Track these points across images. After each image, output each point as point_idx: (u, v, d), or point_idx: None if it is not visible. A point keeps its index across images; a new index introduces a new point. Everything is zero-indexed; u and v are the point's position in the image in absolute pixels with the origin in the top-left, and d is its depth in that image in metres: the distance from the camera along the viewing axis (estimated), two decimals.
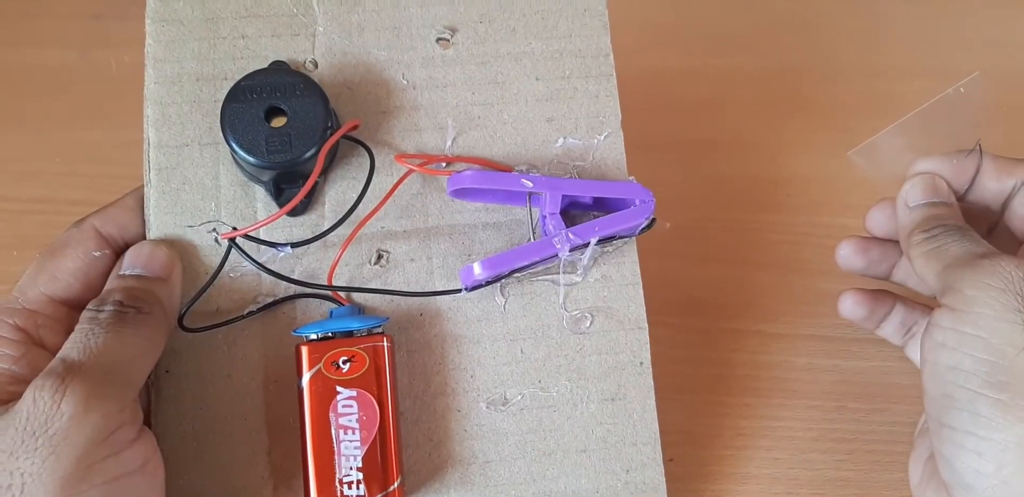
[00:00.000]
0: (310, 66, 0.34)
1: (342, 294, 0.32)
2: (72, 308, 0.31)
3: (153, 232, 0.33)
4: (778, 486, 0.35)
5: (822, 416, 0.37)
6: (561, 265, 0.33)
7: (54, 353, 0.27)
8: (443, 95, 0.34)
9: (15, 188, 0.48)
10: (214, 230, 0.33)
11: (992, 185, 0.33)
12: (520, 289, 0.33)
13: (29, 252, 0.44)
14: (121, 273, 0.31)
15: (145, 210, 0.34)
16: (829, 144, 0.53)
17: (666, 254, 0.45)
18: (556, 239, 0.31)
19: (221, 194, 0.33)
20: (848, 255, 0.36)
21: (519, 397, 0.32)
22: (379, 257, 0.33)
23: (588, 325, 0.33)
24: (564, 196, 0.32)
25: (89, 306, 0.29)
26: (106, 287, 0.31)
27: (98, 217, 0.33)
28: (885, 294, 0.36)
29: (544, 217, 0.33)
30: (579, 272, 0.33)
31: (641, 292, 0.34)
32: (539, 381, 0.32)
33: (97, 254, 0.32)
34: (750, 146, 0.52)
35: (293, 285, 0.32)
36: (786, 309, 0.42)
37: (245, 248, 0.31)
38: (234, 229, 0.31)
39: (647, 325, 0.33)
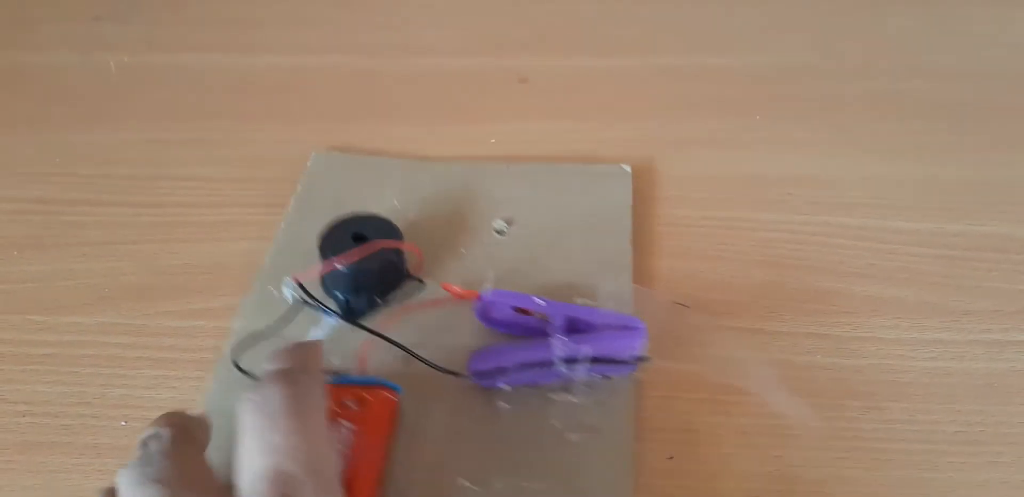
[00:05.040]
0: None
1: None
2: None
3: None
4: (778, 484, 0.35)
5: (821, 414, 0.37)
6: (557, 372, 0.36)
7: None
8: (490, 262, 0.43)
9: (15, 189, 0.48)
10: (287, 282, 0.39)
11: None
12: (518, 400, 0.37)
13: (30, 252, 0.44)
14: None
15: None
16: (829, 142, 0.53)
17: (666, 253, 0.45)
18: (554, 340, 0.35)
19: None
20: None
21: (499, 484, 0.34)
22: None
23: (576, 438, 0.36)
24: (567, 318, 0.37)
25: None
26: None
27: None
28: None
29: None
30: (574, 391, 0.37)
31: (632, 422, 0.36)
32: (522, 474, 0.34)
33: None
34: (750, 145, 0.52)
35: None
36: (785, 307, 0.42)
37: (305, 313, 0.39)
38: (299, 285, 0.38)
39: (633, 450, 0.35)
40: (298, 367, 0.29)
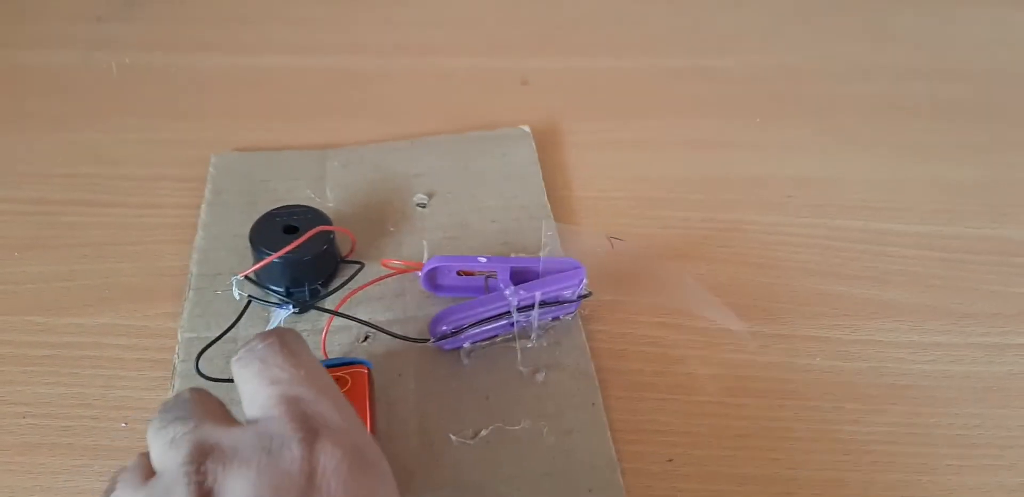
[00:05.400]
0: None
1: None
2: None
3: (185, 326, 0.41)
4: (776, 487, 0.35)
5: (820, 416, 0.37)
6: (514, 321, 0.38)
7: None
8: (420, 235, 0.45)
9: (16, 189, 0.48)
10: (232, 281, 0.40)
11: None
12: (482, 355, 0.39)
13: (30, 253, 0.44)
14: None
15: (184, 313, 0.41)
16: (829, 145, 0.53)
17: (666, 255, 0.45)
18: (507, 292, 0.37)
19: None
20: None
21: (484, 432, 0.36)
22: (365, 338, 0.40)
23: (542, 377, 0.38)
24: (512, 270, 0.39)
25: None
26: None
27: None
28: None
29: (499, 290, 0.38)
30: (532, 337, 0.39)
31: (588, 353, 0.39)
32: (503, 420, 0.37)
33: None
34: (750, 146, 0.52)
35: None
36: (785, 310, 0.42)
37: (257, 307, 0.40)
38: (247, 278, 0.40)
39: (595, 374, 0.38)
40: (276, 332, 0.30)
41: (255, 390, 0.27)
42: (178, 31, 0.63)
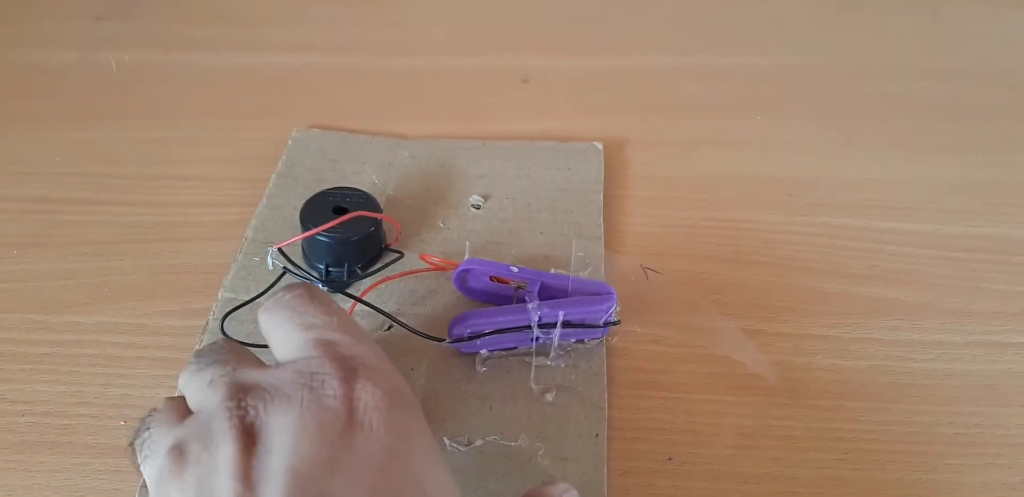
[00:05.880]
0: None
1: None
2: None
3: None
4: (776, 485, 0.35)
5: (821, 415, 0.37)
6: (534, 337, 0.37)
7: None
8: (467, 235, 0.45)
9: (16, 188, 0.48)
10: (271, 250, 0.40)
11: None
12: (497, 364, 0.39)
13: (30, 251, 0.44)
14: None
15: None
16: (830, 143, 0.53)
17: (667, 254, 0.45)
18: (530, 306, 0.37)
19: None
20: None
21: (480, 442, 0.36)
22: (389, 326, 0.40)
23: (551, 397, 0.37)
24: (542, 284, 0.39)
25: None
26: None
27: None
28: None
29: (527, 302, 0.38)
30: (550, 355, 0.38)
31: (604, 381, 0.38)
32: (502, 433, 0.36)
33: None
34: (750, 145, 0.52)
35: None
36: (786, 308, 0.42)
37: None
38: (281, 251, 0.39)
39: (607, 405, 0.37)
40: (303, 284, 0.30)
41: (287, 335, 0.27)
42: (178, 29, 0.63)
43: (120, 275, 0.43)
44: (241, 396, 0.24)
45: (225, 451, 0.23)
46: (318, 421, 0.24)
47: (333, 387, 0.24)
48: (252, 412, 0.24)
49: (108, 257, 0.44)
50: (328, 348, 0.26)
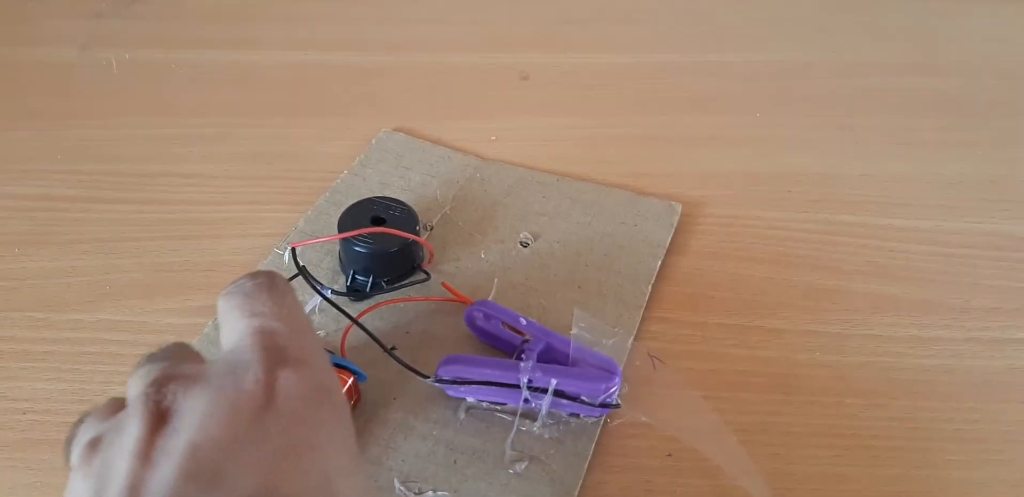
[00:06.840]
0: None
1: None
2: None
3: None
4: (776, 481, 0.35)
5: (820, 411, 0.37)
6: (523, 398, 0.35)
7: None
8: (502, 272, 0.43)
9: (17, 186, 0.48)
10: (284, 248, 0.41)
11: None
12: (481, 416, 0.37)
13: (31, 249, 0.45)
14: None
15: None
16: (829, 140, 0.53)
17: (666, 250, 0.45)
18: (523, 365, 0.35)
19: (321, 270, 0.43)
20: None
21: (432, 494, 0.34)
22: (392, 347, 0.38)
23: (521, 468, 0.35)
24: (547, 344, 0.36)
25: None
26: None
27: None
28: None
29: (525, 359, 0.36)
30: (538, 422, 0.36)
31: (585, 465, 0.35)
32: (457, 491, 0.34)
33: None
34: (750, 142, 0.52)
35: None
36: (786, 304, 0.42)
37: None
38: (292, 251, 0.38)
39: (576, 493, 0.34)
40: (266, 272, 0.29)
41: (234, 320, 0.27)
42: (179, 27, 0.63)
43: (121, 273, 0.43)
44: (164, 383, 0.24)
45: (131, 433, 0.23)
46: (231, 402, 0.23)
47: (256, 372, 0.24)
48: (169, 397, 0.24)
49: (109, 255, 0.44)
50: (266, 337, 0.26)
